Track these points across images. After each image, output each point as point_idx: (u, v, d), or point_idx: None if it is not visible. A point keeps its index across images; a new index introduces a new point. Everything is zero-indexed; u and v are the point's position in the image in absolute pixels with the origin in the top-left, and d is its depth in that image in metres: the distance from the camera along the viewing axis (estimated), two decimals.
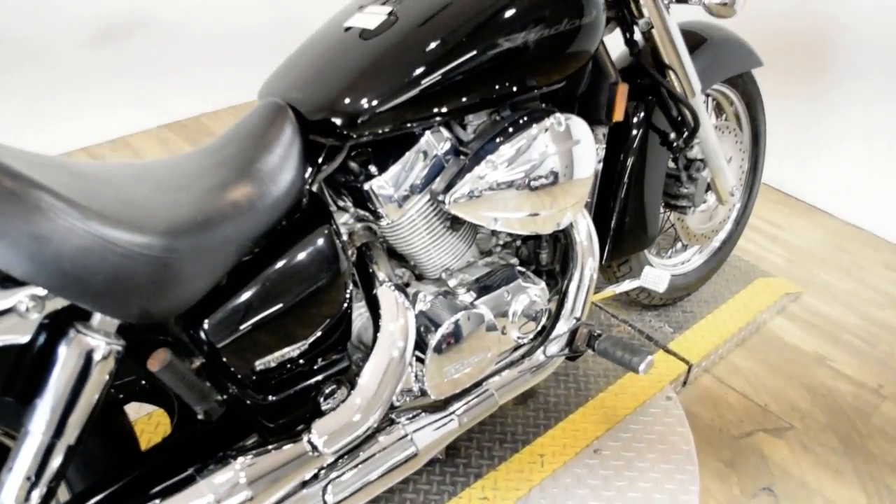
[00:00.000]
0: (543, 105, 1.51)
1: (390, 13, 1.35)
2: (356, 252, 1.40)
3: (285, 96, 1.31)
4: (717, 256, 2.35)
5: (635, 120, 1.81)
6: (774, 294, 2.42)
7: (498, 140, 1.36)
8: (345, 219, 1.42)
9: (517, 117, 1.39)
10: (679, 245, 2.28)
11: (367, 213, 1.37)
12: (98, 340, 1.02)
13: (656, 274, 1.71)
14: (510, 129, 1.37)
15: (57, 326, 1.02)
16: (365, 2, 1.43)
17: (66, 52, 3.05)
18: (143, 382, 1.19)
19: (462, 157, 1.37)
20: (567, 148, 1.41)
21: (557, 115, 1.40)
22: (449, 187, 1.33)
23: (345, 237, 1.41)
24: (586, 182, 1.48)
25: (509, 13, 1.34)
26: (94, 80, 3.15)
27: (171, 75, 3.31)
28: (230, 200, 1.13)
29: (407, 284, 1.50)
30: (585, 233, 1.62)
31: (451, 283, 1.45)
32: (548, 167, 1.39)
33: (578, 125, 1.43)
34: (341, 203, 1.41)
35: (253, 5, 3.48)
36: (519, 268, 1.55)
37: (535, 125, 1.37)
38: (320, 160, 1.30)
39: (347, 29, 1.37)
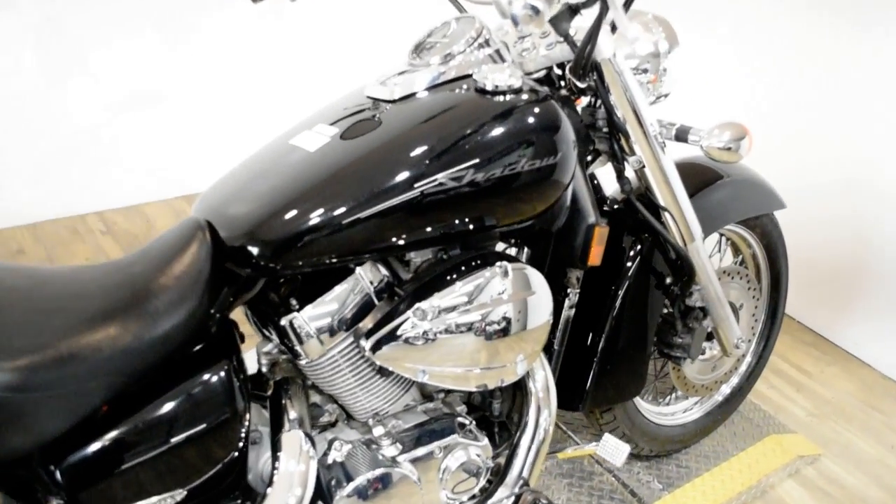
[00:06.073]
0: (504, 245, 1.39)
1: (337, 135, 1.26)
2: (273, 387, 1.28)
3: (210, 215, 1.21)
4: (722, 409, 2.14)
5: (626, 259, 1.66)
6: (786, 455, 2.18)
7: (434, 284, 1.23)
8: (268, 348, 1.31)
9: (461, 261, 1.26)
10: (680, 391, 2.09)
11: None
12: None
13: (615, 445, 1.53)
14: (450, 275, 1.24)
15: None
16: (321, 119, 1.34)
17: (88, 117, 3.07)
18: None
19: (396, 298, 1.24)
20: (513, 300, 1.27)
21: (504, 264, 1.26)
22: (374, 330, 1.21)
23: (265, 368, 1.30)
24: (534, 336, 1.34)
25: (464, 145, 1.23)
26: (113, 145, 3.18)
27: (192, 146, 3.31)
28: (110, 333, 1.03)
29: (333, 424, 1.37)
30: (542, 383, 1.47)
31: (377, 431, 1.30)
32: (488, 320, 1.26)
33: (528, 276, 1.30)
34: (267, 331, 1.30)
35: (279, 82, 3.48)
36: (461, 419, 1.40)
37: (477, 273, 1.24)
38: (235, 289, 1.19)
39: (292, 146, 1.28)
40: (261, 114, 3.45)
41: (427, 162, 1.20)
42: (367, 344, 1.20)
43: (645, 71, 1.57)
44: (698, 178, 1.77)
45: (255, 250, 1.14)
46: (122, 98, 3.13)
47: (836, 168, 2.61)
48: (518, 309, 1.28)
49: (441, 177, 1.20)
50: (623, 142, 1.51)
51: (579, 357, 1.66)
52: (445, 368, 1.25)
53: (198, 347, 1.14)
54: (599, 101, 1.51)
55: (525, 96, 1.30)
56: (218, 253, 1.16)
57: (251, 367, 1.33)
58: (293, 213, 1.16)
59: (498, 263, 1.26)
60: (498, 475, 1.47)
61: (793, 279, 2.16)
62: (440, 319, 1.21)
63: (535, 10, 0.98)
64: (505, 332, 1.28)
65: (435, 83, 1.33)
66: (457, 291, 1.23)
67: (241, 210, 1.19)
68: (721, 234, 1.99)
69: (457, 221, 1.25)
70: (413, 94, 1.31)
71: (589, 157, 1.58)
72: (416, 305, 1.20)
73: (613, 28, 1.47)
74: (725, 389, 2.12)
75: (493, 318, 1.26)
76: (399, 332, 1.20)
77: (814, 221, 2.64)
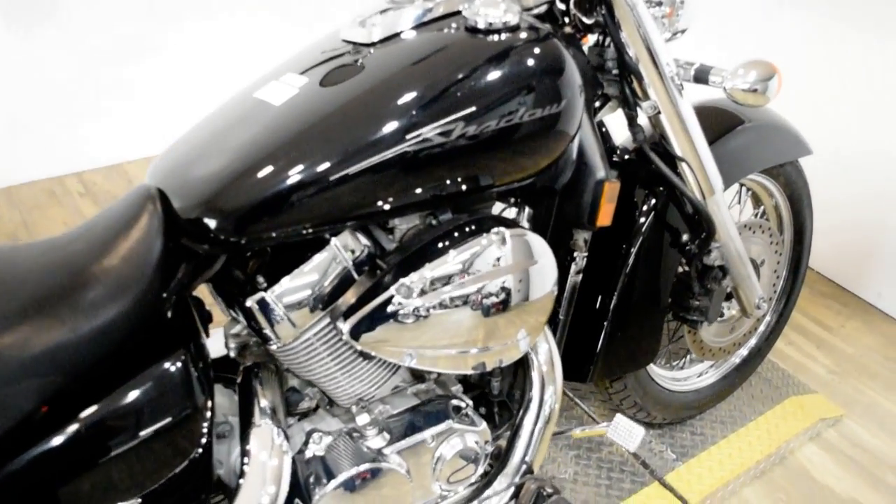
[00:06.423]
0: (501, 205, 1.23)
1: (307, 85, 1.09)
2: (244, 372, 1.14)
3: (163, 182, 1.06)
4: (740, 371, 2.00)
5: (639, 215, 1.50)
6: (807, 418, 2.05)
7: (422, 256, 1.07)
8: (237, 330, 1.17)
9: (453, 227, 1.10)
10: (695, 355, 1.94)
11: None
12: None
13: (628, 427, 1.38)
14: (440, 244, 1.08)
15: None
16: (290, 67, 1.17)
17: (63, 71, 2.88)
18: None
19: (378, 271, 1.09)
20: (512, 271, 1.12)
21: (502, 229, 1.10)
22: (353, 310, 1.05)
23: (233, 353, 1.15)
24: (537, 309, 1.19)
25: (453, 93, 1.06)
26: (92, 100, 2.99)
27: (177, 99, 3.12)
28: (43, 325, 0.88)
29: (315, 409, 1.24)
30: (546, 357, 1.32)
31: (361, 419, 1.16)
32: (484, 295, 1.10)
33: (529, 242, 1.14)
34: (233, 311, 1.15)
35: (271, 30, 3.27)
36: (456, 401, 1.25)
37: (470, 241, 1.08)
38: (193, 266, 1.04)
39: (257, 101, 1.12)
40: (253, 63, 3.26)
41: (411, 114, 1.04)
42: (345, 326, 1.05)
43: (659, 3, 1.39)
44: (718, 124, 1.60)
45: (212, 223, 0.99)
46: (100, 50, 2.93)
47: (860, 108, 2.42)
48: (519, 280, 1.13)
49: (428, 131, 1.04)
50: (636, 85, 1.34)
51: (587, 324, 1.52)
52: (436, 351, 1.10)
53: (150, 336, 1.00)
54: (608, 39, 1.34)
55: (523, 35, 1.13)
56: (171, 226, 1.00)
57: (219, 350, 1.19)
58: (255, 177, 1.00)
59: (494, 229, 1.10)
60: (498, 459, 1.34)
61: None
62: (429, 296, 1.06)
63: None
64: (504, 306, 1.13)
65: (420, 22, 1.15)
66: (448, 263, 1.07)
67: (195, 176, 1.03)
68: (741, 184, 1.82)
69: (448, 181, 1.09)
70: (395, 36, 1.14)
71: (597, 103, 1.41)
72: (401, 281, 1.05)
73: None
74: (743, 351, 1.98)
75: (490, 292, 1.11)
76: (381, 313, 1.05)
77: (834, 164, 2.46)
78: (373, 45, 1.13)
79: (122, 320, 0.94)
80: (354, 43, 1.16)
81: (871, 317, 2.56)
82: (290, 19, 3.33)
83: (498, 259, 1.10)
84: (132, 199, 1.04)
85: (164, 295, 1.00)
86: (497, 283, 1.11)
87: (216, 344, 1.21)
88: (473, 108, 1.06)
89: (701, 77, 1.39)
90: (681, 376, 1.93)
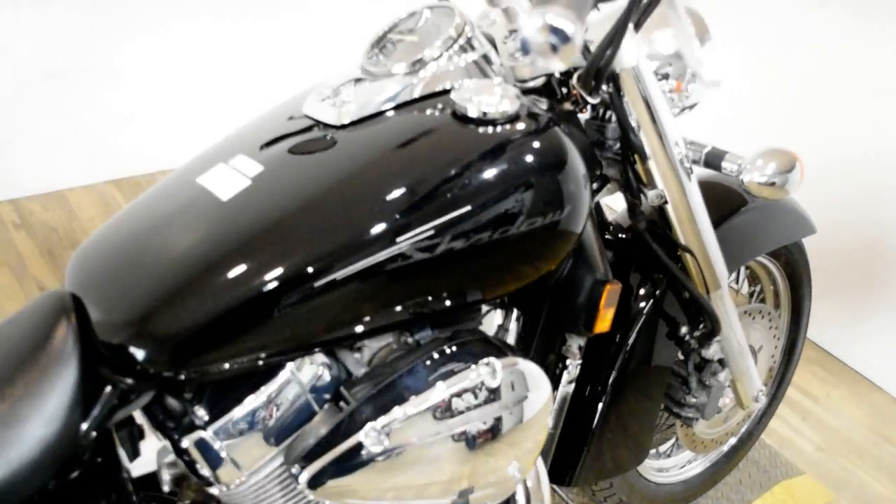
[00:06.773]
0: (487, 308, 1.07)
1: (261, 175, 0.91)
2: None
3: (81, 287, 0.87)
4: (729, 458, 1.85)
5: (635, 302, 1.34)
6: None
7: (395, 391, 0.90)
8: (171, 459, 0.98)
9: (433, 354, 0.93)
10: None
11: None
12: None
13: None
14: (417, 377, 0.91)
15: None
16: (242, 147, 0.99)
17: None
18: None
19: (344, 404, 0.91)
20: (501, 409, 0.95)
21: (492, 360, 0.93)
22: (312, 457, 0.87)
23: (167, 486, 0.97)
24: (528, 442, 1.02)
25: (437, 200, 0.89)
26: (29, 120, 2.77)
27: (123, 124, 2.90)
28: None
29: None
30: (532, 473, 1.16)
31: None
32: (468, 436, 0.93)
33: (523, 374, 0.97)
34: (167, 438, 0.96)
35: (222, 47, 3.07)
36: None
37: (454, 374, 0.91)
38: (118, 396, 0.85)
39: (200, 189, 0.93)
40: (202, 82, 3.05)
41: (388, 223, 0.87)
42: (302, 476, 0.87)
43: (665, 77, 1.24)
44: (722, 204, 1.45)
45: (139, 353, 0.80)
46: (38, 66, 2.70)
47: (849, 170, 2.31)
48: (509, 415, 0.96)
49: (406, 243, 0.87)
50: (639, 168, 1.18)
51: (573, 426, 1.35)
52: (409, 502, 0.93)
53: (58, 486, 0.81)
54: (609, 113, 1.18)
55: (521, 126, 0.96)
56: (88, 351, 0.81)
57: (151, 465, 1.00)
58: (196, 296, 0.82)
59: (483, 360, 0.92)
60: None
61: None
62: (403, 441, 0.88)
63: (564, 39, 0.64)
64: (490, 443, 0.96)
65: (399, 102, 0.98)
66: (427, 402, 0.89)
67: (120, 286, 0.85)
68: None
69: (429, 298, 0.92)
70: (368, 118, 0.96)
71: (595, 185, 1.24)
72: (371, 424, 0.87)
73: (637, 25, 1.11)
74: (733, 439, 1.84)
75: (474, 432, 0.93)
76: (346, 462, 0.87)
77: (820, 225, 2.36)
78: (343, 127, 0.96)
79: (21, 472, 0.76)
80: (320, 123, 0.98)
81: (857, 385, 2.44)
82: (245, 32, 3.14)
83: (486, 396, 0.93)
84: (41, 311, 0.85)
85: (80, 434, 0.81)
86: (483, 422, 0.94)
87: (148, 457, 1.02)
88: (463, 218, 0.89)
89: (713, 162, 1.23)
90: (668, 465, 1.78)
